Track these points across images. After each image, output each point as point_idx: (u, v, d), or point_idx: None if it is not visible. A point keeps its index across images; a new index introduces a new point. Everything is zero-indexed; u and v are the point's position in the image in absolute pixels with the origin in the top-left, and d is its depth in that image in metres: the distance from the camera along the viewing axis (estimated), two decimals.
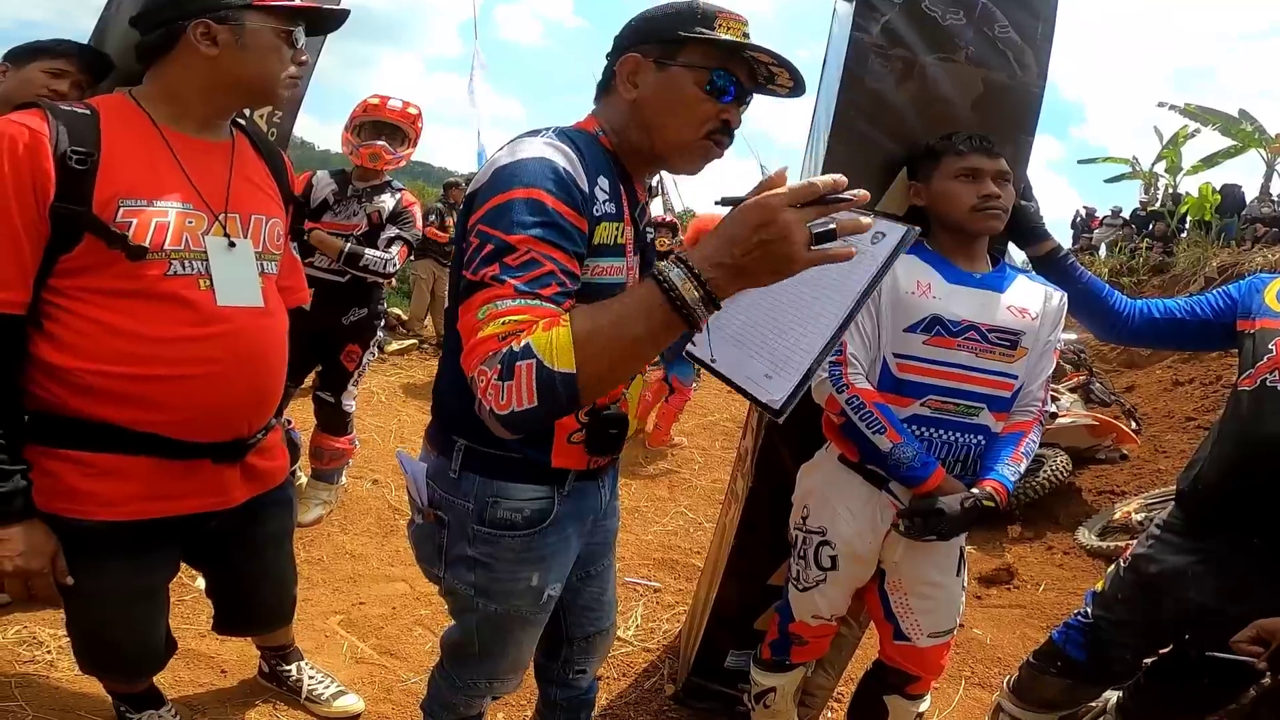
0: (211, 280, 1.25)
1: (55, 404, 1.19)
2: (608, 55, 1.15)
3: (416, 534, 1.28)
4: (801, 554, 1.67)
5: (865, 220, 0.82)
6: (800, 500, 1.71)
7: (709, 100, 1.06)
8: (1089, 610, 1.73)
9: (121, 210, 1.16)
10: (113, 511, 1.25)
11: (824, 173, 1.78)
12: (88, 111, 1.19)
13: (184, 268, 1.22)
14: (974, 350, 1.50)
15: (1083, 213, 14.53)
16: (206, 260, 1.25)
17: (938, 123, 1.66)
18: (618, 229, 1.08)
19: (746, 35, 1.07)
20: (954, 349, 1.49)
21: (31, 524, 1.19)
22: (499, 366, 0.85)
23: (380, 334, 3.08)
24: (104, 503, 1.24)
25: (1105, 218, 13.66)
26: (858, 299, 0.96)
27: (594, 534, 1.35)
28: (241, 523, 1.44)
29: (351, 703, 1.94)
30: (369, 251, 2.77)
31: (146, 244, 1.17)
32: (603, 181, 1.04)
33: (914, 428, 1.51)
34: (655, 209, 8.90)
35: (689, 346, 1.31)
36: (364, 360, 2.99)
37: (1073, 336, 5.08)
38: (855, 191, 0.82)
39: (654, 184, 9.65)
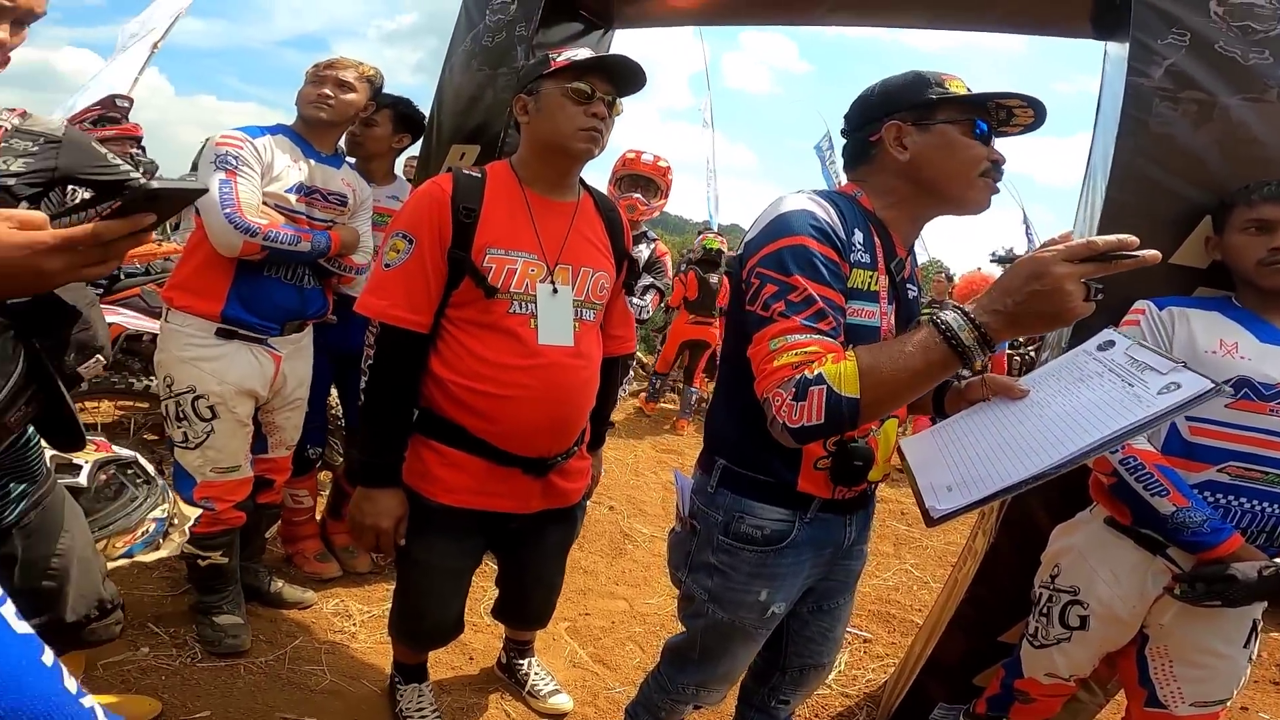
0: (536, 320, 1.47)
1: (434, 405, 1.52)
2: (844, 132, 1.29)
3: (672, 540, 1.43)
4: (1044, 611, 1.58)
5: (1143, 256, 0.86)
6: (1051, 559, 1.61)
7: (977, 144, 1.15)
8: None
9: (487, 257, 1.44)
10: (450, 497, 1.53)
11: (1101, 220, 1.70)
12: (479, 175, 1.49)
13: (521, 308, 1.46)
14: None
15: None
16: (537, 303, 1.48)
17: (1249, 167, 1.53)
18: (871, 277, 1.17)
19: (969, 89, 1.18)
20: (1265, 414, 1.34)
21: (392, 492, 1.51)
22: (794, 389, 1.00)
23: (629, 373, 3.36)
24: (446, 489, 1.53)
25: None
26: (1097, 445, 0.87)
27: (833, 570, 1.39)
28: (534, 528, 1.66)
29: (563, 702, 2.09)
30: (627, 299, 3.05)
31: (498, 286, 1.44)
32: (858, 234, 1.16)
33: (1207, 494, 1.36)
34: None
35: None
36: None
37: None
38: (1145, 251, 0.85)
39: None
